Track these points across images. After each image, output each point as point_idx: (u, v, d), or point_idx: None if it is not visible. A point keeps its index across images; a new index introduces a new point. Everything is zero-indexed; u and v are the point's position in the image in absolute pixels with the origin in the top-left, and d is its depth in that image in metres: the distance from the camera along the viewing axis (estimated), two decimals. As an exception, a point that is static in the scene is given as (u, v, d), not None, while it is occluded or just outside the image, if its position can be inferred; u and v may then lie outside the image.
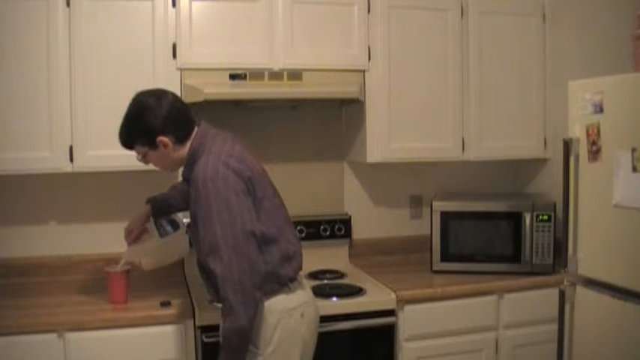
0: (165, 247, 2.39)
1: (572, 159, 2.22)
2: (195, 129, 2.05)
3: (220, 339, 1.94)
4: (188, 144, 2.03)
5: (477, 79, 2.97)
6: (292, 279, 2.06)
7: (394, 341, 2.55)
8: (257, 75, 2.65)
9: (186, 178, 2.06)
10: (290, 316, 2.01)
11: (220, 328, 1.93)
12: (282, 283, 2.02)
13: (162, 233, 2.39)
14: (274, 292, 2.01)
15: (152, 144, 2.00)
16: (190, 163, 2.01)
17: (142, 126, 1.99)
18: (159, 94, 2.03)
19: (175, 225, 2.43)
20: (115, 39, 2.51)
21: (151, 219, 2.39)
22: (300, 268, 2.13)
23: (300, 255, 2.14)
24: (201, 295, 2.50)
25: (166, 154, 2.02)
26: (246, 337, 1.89)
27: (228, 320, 1.86)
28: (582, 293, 2.20)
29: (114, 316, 2.32)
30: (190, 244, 2.36)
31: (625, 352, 2.01)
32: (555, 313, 2.28)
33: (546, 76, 3.07)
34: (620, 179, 2.01)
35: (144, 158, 2.07)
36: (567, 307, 2.25)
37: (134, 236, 2.35)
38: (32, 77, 2.43)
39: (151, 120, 1.97)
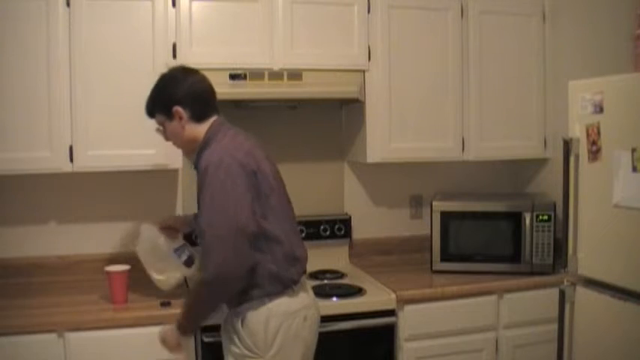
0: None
1: (572, 159, 2.22)
2: (215, 117, 2.09)
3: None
4: (203, 127, 2.06)
5: (477, 79, 2.97)
6: (296, 282, 2.06)
7: (394, 341, 2.55)
8: (257, 75, 2.65)
9: (196, 167, 2.08)
10: (293, 320, 2.02)
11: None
12: (285, 285, 2.02)
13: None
14: (277, 295, 2.01)
15: (169, 114, 2.06)
16: (200, 150, 2.04)
17: (163, 94, 2.07)
18: (188, 70, 2.11)
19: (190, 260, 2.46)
20: (115, 39, 2.51)
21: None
22: (304, 272, 2.14)
23: (306, 259, 2.14)
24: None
25: (180, 129, 2.07)
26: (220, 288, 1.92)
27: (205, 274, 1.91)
28: (582, 293, 2.20)
29: (114, 316, 2.32)
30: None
31: (625, 352, 2.01)
32: (555, 313, 2.28)
33: (546, 76, 3.07)
34: (620, 179, 2.00)
35: (163, 131, 2.13)
36: (567, 307, 2.25)
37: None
38: (32, 77, 2.43)
39: (172, 90, 2.05)
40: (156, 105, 2.10)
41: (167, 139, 2.15)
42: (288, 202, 2.15)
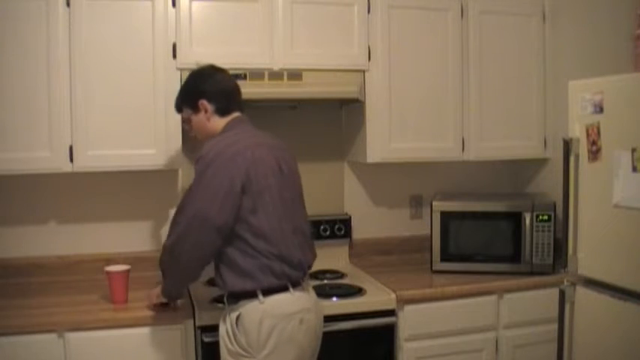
0: None
1: (572, 159, 2.22)
2: (237, 114, 2.18)
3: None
4: (224, 122, 2.16)
5: (477, 79, 2.97)
6: (292, 280, 2.06)
7: (394, 341, 2.55)
8: (257, 75, 2.65)
9: None
10: (288, 322, 2.02)
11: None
12: (279, 278, 2.02)
13: None
14: (274, 291, 2.02)
15: (195, 107, 2.17)
16: None
17: (191, 88, 2.20)
18: (218, 69, 2.23)
19: None
20: (114, 39, 2.51)
21: None
22: (305, 275, 2.14)
23: (305, 262, 2.13)
24: (202, 295, 2.50)
25: (204, 121, 2.17)
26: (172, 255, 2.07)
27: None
28: (582, 293, 2.20)
29: (114, 316, 2.32)
30: None
31: (625, 352, 2.01)
32: (555, 313, 2.28)
33: (546, 76, 3.07)
34: (620, 179, 2.00)
35: (188, 124, 2.25)
36: (567, 307, 2.25)
37: None
38: (32, 77, 2.43)
39: (200, 84, 2.18)
40: (184, 99, 2.22)
41: (192, 133, 2.25)
42: (292, 202, 2.15)
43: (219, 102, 2.16)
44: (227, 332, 2.05)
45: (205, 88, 2.16)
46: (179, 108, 2.26)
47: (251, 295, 2.01)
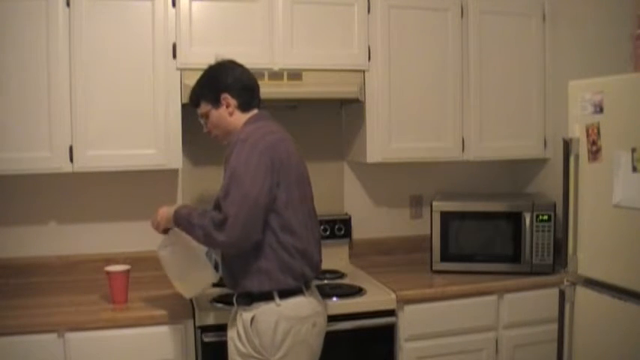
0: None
1: (572, 159, 2.22)
2: (256, 110, 2.15)
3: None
4: (246, 117, 2.11)
5: (477, 79, 2.97)
6: (307, 280, 2.07)
7: (394, 341, 2.55)
8: (257, 75, 2.60)
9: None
10: (302, 325, 2.02)
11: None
12: (296, 278, 2.02)
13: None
14: (289, 293, 2.01)
15: (216, 101, 2.10)
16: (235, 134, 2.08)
17: (212, 82, 2.12)
18: (237, 63, 2.16)
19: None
20: (114, 39, 2.51)
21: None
22: (316, 276, 2.15)
23: (319, 263, 2.14)
24: (202, 295, 2.50)
25: (225, 116, 2.10)
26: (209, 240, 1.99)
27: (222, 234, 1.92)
28: (582, 293, 2.20)
29: (114, 316, 2.32)
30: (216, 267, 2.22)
31: (625, 352, 2.01)
32: (555, 313, 2.28)
33: (546, 76, 3.07)
34: (620, 179, 2.01)
35: (205, 119, 2.15)
36: (567, 307, 2.25)
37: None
38: (32, 77, 2.43)
39: (222, 78, 2.11)
40: (203, 92, 2.13)
41: (209, 129, 2.17)
42: (311, 200, 2.16)
43: (242, 97, 2.10)
44: (238, 333, 2.03)
45: (228, 82, 2.09)
46: (196, 102, 2.15)
47: (267, 296, 1.99)
